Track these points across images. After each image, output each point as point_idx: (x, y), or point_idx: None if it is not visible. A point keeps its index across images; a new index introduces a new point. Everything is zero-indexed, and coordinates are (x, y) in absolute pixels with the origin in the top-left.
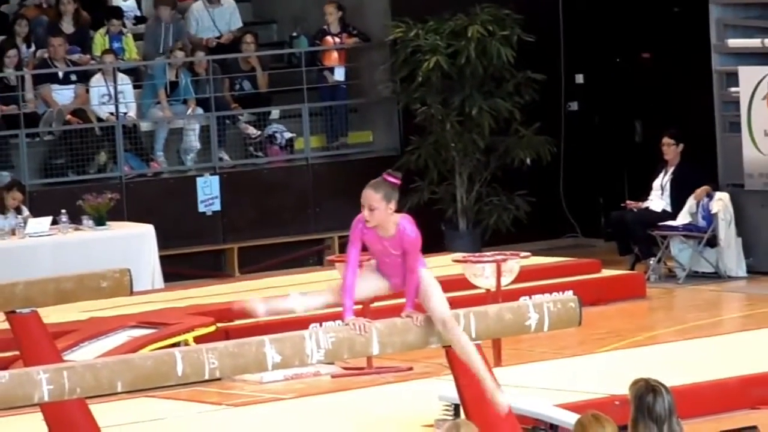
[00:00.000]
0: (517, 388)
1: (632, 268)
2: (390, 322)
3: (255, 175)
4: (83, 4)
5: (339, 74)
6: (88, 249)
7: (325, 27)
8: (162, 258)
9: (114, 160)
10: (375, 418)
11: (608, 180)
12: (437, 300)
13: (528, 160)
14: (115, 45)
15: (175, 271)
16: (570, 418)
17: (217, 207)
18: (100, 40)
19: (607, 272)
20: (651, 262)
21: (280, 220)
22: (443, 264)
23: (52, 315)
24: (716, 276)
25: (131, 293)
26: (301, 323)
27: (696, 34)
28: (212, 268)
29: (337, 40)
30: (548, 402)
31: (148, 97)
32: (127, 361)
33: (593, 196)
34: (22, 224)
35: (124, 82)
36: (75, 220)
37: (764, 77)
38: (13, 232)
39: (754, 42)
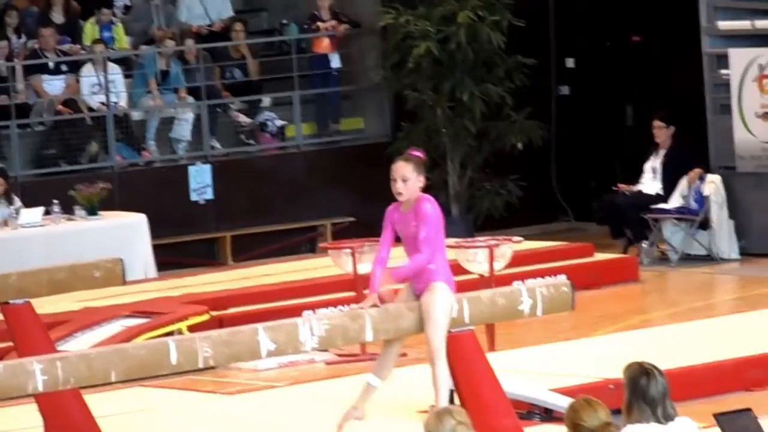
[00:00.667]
0: (511, 372)
1: (625, 252)
2: (383, 309)
3: (247, 164)
4: None
5: (335, 62)
6: (81, 239)
7: (316, 12)
8: (155, 247)
9: (105, 150)
10: (369, 405)
11: (600, 164)
12: (439, 329)
13: (519, 145)
14: (105, 35)
15: (168, 260)
16: (564, 402)
17: (209, 195)
18: (90, 29)
19: (599, 256)
20: (643, 245)
21: (273, 208)
22: None
23: (46, 305)
24: (709, 258)
25: (124, 283)
26: (294, 311)
27: (686, 16)
28: (205, 257)
29: (328, 27)
30: (542, 386)
31: (138, 86)
32: (120, 350)
33: (585, 180)
34: (15, 215)
35: (115, 72)
36: (67, 210)
37: (754, 59)
38: (5, 223)
39: (743, 24)
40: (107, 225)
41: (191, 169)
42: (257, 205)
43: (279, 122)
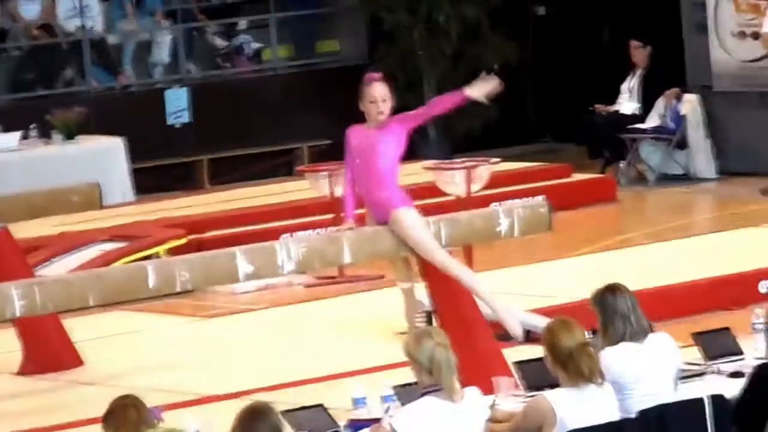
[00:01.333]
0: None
1: (602, 172)
2: (360, 231)
3: (224, 87)
4: None
5: None
6: (58, 164)
7: None
8: (132, 171)
9: (82, 74)
10: (349, 327)
11: (577, 84)
12: (431, 248)
13: (496, 66)
14: None
15: (146, 184)
16: (542, 323)
17: (186, 119)
18: None
19: (577, 176)
20: (621, 165)
21: (250, 131)
22: (414, 172)
23: (23, 230)
24: (686, 178)
25: (102, 207)
26: (272, 234)
27: None
28: (183, 181)
29: None
30: (520, 307)
31: (115, 10)
32: (98, 274)
33: (563, 101)
34: None
35: None
36: (44, 134)
37: None
38: None
39: None
40: (84, 149)
41: (168, 93)
42: (234, 129)
43: (255, 45)
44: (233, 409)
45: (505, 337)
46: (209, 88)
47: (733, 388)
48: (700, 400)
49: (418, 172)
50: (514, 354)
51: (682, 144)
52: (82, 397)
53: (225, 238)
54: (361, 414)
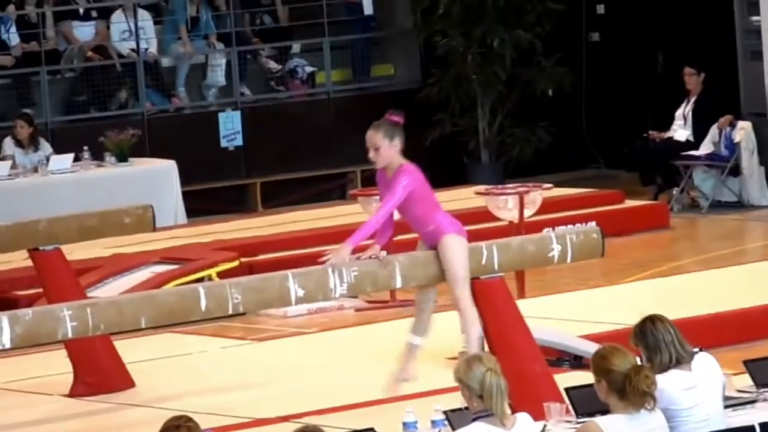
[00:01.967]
0: (541, 319)
1: (655, 199)
2: (412, 255)
3: (277, 110)
4: None
5: (367, 8)
6: (111, 185)
7: None
8: (184, 194)
9: (135, 96)
10: (399, 351)
11: (630, 111)
12: (459, 283)
13: (550, 92)
14: None
15: (198, 206)
16: (594, 349)
17: (239, 142)
18: None
19: (630, 203)
20: (674, 192)
21: (303, 155)
22: (466, 196)
23: (76, 252)
24: (739, 205)
25: (154, 229)
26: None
27: None
28: (235, 203)
29: None
30: (572, 333)
31: (168, 32)
32: (150, 296)
33: (615, 127)
34: (45, 161)
35: (145, 18)
36: (97, 156)
37: None
38: (35, 170)
39: None
40: (137, 171)
41: (221, 116)
42: (287, 152)
43: (309, 68)
44: None
45: (556, 363)
46: (262, 111)
47: None
48: (751, 428)
49: (470, 197)
50: (565, 380)
51: (736, 171)
52: (133, 419)
53: (277, 261)
54: None
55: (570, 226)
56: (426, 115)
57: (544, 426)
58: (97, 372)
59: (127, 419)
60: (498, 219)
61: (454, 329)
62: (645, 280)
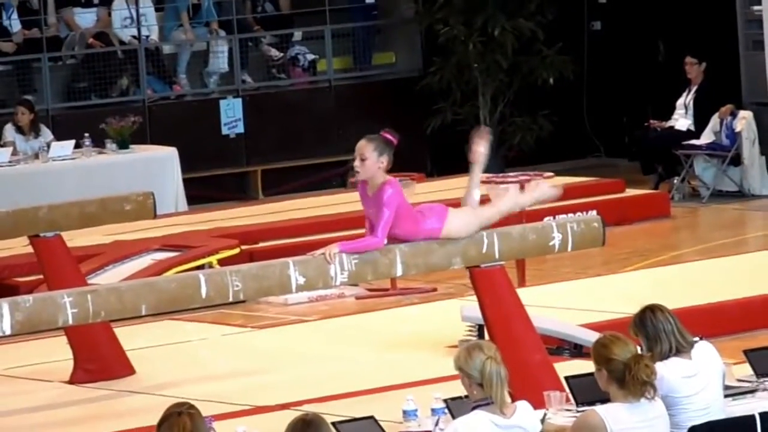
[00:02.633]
0: (541, 308)
1: (656, 188)
2: (413, 244)
3: (278, 98)
4: None
5: None
6: (112, 172)
7: None
8: (185, 181)
9: (136, 83)
10: (399, 339)
11: (632, 99)
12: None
13: (551, 80)
14: None
15: (199, 194)
16: (594, 338)
17: (240, 129)
18: None
19: (630, 192)
20: (675, 181)
21: (304, 143)
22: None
23: (76, 239)
24: (740, 195)
25: (155, 216)
26: (324, 245)
27: None
28: (236, 191)
29: None
30: (572, 322)
31: (170, 19)
32: (151, 284)
33: (617, 116)
34: (46, 148)
35: (146, 5)
36: (98, 143)
37: None
38: (36, 156)
39: None
40: (138, 158)
41: (222, 103)
42: (288, 140)
43: (310, 56)
44: (284, 420)
45: (557, 351)
46: (264, 99)
47: None
48: (750, 417)
49: None
50: (565, 368)
51: (737, 160)
52: (133, 406)
53: (277, 248)
54: (412, 426)
55: (571, 215)
56: (427, 104)
57: (544, 414)
58: (98, 359)
59: (127, 406)
60: None
61: (454, 317)
62: (645, 269)
